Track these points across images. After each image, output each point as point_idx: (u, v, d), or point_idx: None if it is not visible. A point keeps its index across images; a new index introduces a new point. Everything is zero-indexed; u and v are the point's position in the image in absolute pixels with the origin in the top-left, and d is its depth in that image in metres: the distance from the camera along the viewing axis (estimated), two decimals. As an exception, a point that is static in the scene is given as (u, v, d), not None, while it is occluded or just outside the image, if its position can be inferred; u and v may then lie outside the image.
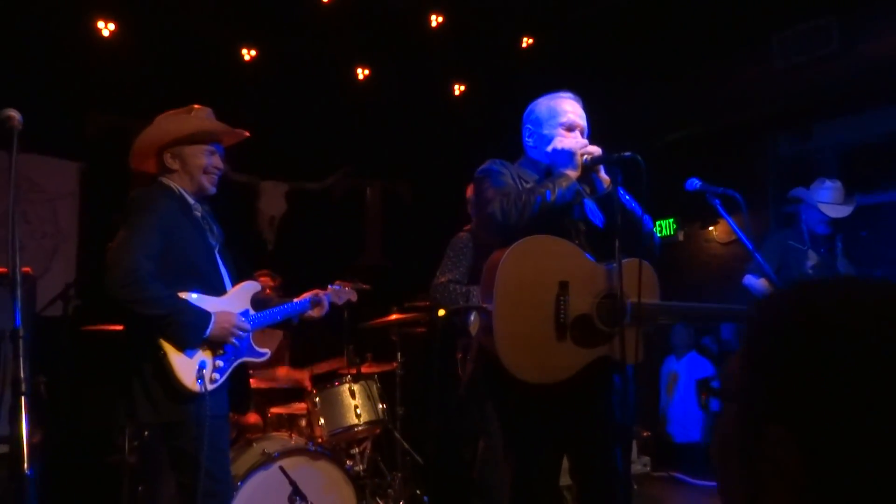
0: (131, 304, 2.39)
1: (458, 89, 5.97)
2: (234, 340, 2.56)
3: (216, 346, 2.54)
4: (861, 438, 0.60)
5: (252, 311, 2.72)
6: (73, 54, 4.73)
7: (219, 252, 2.70)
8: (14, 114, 1.89)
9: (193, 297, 2.53)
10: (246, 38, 5.15)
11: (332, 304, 2.97)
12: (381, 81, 5.64)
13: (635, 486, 2.66)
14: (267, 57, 5.23)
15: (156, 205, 2.52)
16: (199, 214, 2.66)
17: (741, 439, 0.71)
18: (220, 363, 2.56)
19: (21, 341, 1.68)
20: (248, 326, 2.62)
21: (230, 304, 2.65)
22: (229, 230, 2.79)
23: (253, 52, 5.18)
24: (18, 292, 1.74)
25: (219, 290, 2.64)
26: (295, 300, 2.89)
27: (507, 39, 5.56)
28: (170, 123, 2.64)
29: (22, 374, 1.65)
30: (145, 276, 2.39)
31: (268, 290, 4.56)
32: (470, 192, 3.82)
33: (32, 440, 1.64)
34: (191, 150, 2.62)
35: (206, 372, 2.48)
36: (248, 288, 2.77)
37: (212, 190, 2.68)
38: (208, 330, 2.48)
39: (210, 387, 2.48)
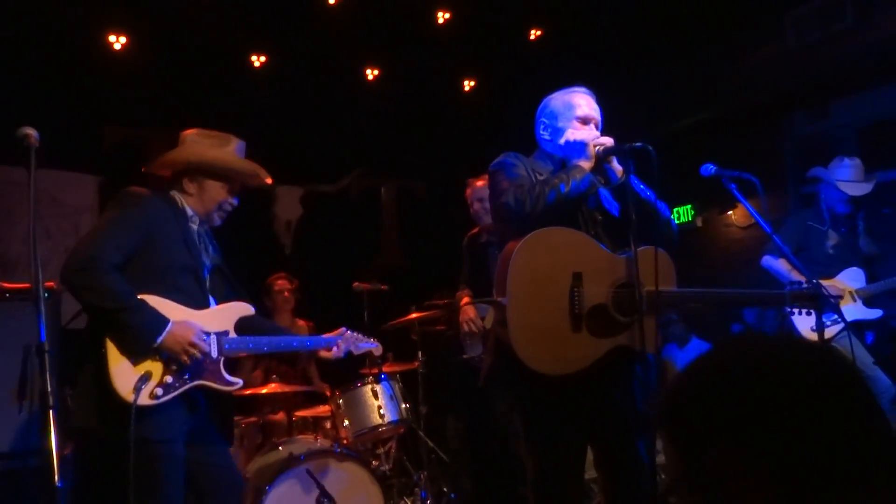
0: (81, 291, 2.16)
1: (468, 85, 5.96)
2: (185, 358, 2.25)
3: (170, 360, 2.26)
4: (797, 440, 0.82)
5: (233, 334, 2.45)
6: (86, 69, 4.79)
7: (209, 271, 2.51)
8: (31, 132, 1.91)
9: (156, 299, 2.27)
10: (255, 44, 5.18)
11: (348, 354, 2.76)
12: (390, 81, 5.65)
13: (662, 476, 2.65)
14: (276, 62, 5.26)
15: (146, 205, 2.36)
16: (195, 227, 2.50)
17: (691, 474, 0.87)
18: (169, 379, 2.25)
19: (47, 356, 1.71)
20: (206, 347, 2.31)
21: (205, 320, 2.38)
22: (246, 236, 2.77)
23: (262, 59, 5.21)
24: (42, 307, 1.76)
25: (198, 305, 2.40)
26: (301, 335, 2.71)
27: (515, 32, 5.54)
28: (204, 150, 2.52)
29: (49, 388, 1.68)
30: (106, 265, 2.18)
31: (286, 293, 4.59)
32: (469, 193, 3.88)
33: (63, 452, 1.67)
34: (213, 184, 2.51)
35: (149, 385, 2.19)
36: (236, 308, 2.50)
37: (217, 223, 2.58)
38: (160, 337, 2.20)
39: (148, 401, 2.18)
